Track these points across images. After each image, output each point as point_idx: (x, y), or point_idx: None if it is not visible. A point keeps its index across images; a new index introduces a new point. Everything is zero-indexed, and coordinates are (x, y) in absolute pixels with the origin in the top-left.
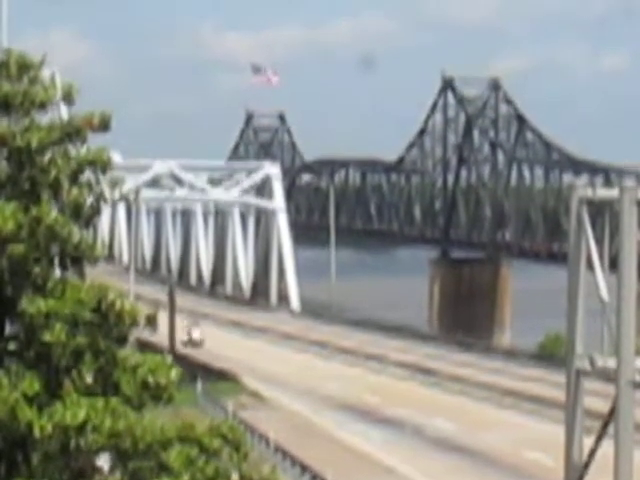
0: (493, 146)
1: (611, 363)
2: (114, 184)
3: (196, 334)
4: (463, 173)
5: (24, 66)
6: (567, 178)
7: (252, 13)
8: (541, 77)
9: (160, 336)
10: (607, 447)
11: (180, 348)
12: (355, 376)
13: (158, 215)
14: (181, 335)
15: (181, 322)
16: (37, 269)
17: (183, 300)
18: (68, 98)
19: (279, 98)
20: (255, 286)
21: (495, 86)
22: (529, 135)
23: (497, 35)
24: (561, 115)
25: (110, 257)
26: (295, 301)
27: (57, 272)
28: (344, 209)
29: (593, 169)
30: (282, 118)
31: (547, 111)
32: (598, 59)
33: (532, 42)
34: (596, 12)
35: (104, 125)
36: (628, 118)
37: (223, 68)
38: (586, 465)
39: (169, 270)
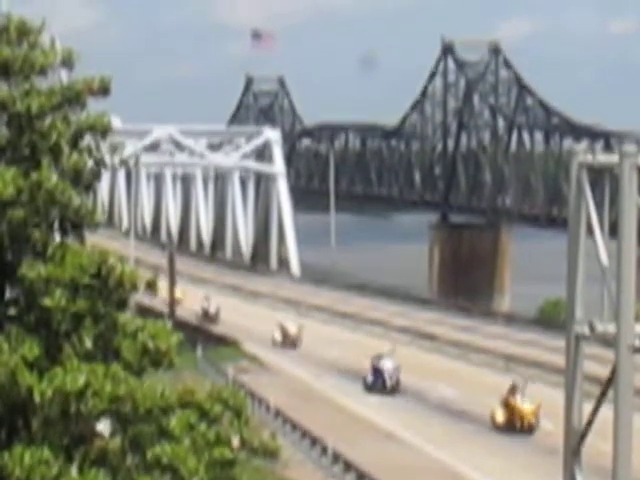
0: (493, 111)
1: (611, 328)
2: (114, 149)
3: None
4: (463, 138)
5: (24, 31)
6: (567, 143)
7: None
8: (543, 42)
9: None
10: (607, 412)
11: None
12: (356, 341)
13: (158, 180)
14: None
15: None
16: (37, 234)
17: (183, 265)
18: (68, 63)
19: (280, 63)
20: (255, 251)
21: (495, 51)
22: (529, 100)
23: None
24: (563, 81)
25: (110, 222)
26: (295, 266)
27: (57, 237)
28: (344, 174)
29: (593, 134)
30: (282, 83)
31: (549, 76)
32: (602, 25)
33: (536, 7)
34: None
35: (104, 90)
36: (630, 84)
37: (225, 34)
38: (585, 430)
39: (169, 235)
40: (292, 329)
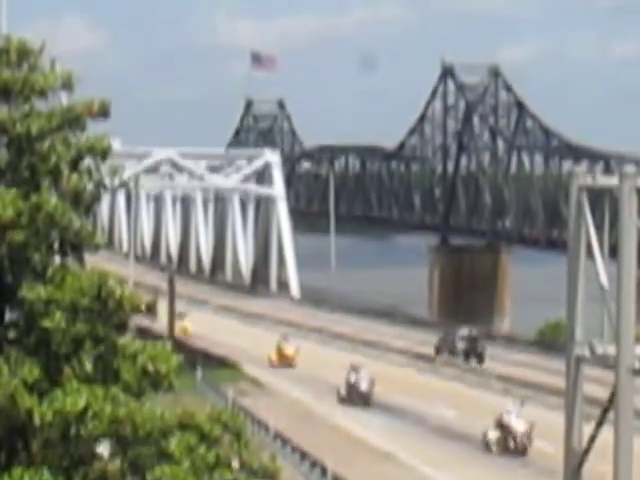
0: (493, 133)
1: (611, 350)
2: (114, 171)
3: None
4: (463, 160)
5: (24, 53)
6: (567, 165)
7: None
8: (544, 65)
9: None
10: (607, 434)
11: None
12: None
13: (158, 202)
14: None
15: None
16: (37, 256)
17: (183, 287)
18: (68, 85)
19: (280, 85)
20: (255, 273)
21: (495, 73)
22: (529, 122)
23: (504, 24)
24: (563, 103)
25: (110, 244)
26: (295, 288)
27: (57, 259)
28: (344, 196)
29: (593, 156)
30: (282, 105)
31: (548, 99)
32: (603, 48)
33: (538, 31)
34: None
35: (104, 112)
36: (630, 106)
37: (225, 56)
38: (586, 452)
39: (169, 257)
40: (519, 425)
